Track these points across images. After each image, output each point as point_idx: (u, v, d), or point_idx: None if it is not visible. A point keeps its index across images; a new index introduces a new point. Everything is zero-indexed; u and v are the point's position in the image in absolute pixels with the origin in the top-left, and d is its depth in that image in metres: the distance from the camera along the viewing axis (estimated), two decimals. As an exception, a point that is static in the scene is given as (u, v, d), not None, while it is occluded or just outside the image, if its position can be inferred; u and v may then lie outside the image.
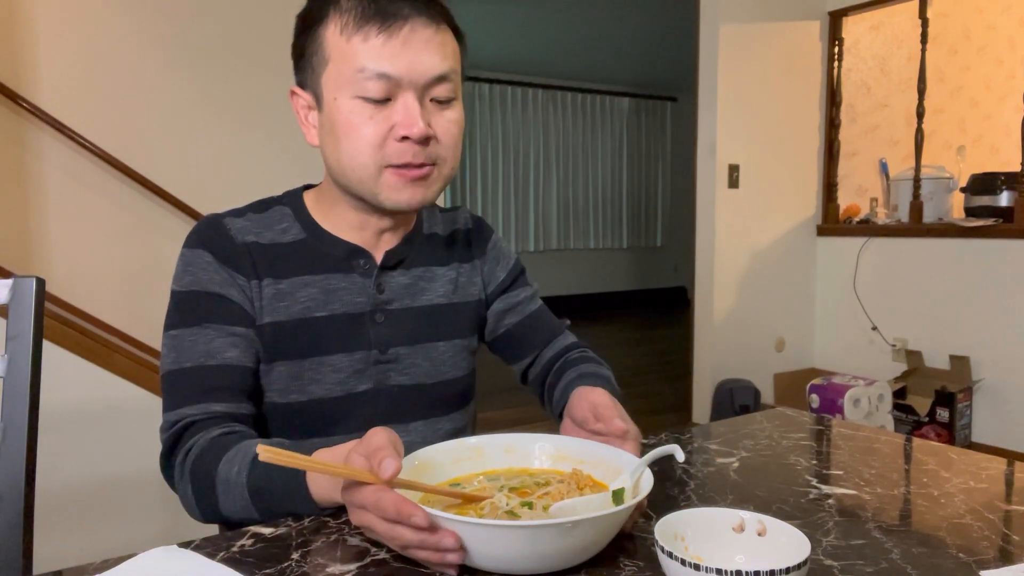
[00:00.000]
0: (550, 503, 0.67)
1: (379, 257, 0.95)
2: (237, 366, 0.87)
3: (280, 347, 0.90)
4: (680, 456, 0.67)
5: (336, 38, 0.83)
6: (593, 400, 0.81)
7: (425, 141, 0.85)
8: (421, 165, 0.86)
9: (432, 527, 0.59)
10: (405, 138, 0.83)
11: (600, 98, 8.24)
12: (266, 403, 0.91)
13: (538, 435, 0.80)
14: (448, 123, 0.87)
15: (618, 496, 0.67)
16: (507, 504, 0.67)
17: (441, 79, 0.85)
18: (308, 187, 1.00)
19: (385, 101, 0.83)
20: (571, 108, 8.07)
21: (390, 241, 0.97)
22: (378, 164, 0.85)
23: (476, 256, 1.06)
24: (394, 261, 0.96)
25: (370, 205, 0.90)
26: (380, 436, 0.64)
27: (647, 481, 0.67)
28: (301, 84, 0.90)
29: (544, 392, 1.07)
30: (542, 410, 1.10)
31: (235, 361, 0.87)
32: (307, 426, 0.92)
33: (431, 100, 0.86)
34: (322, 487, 0.72)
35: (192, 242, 0.91)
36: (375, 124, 0.83)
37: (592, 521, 0.60)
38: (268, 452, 0.60)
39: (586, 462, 0.76)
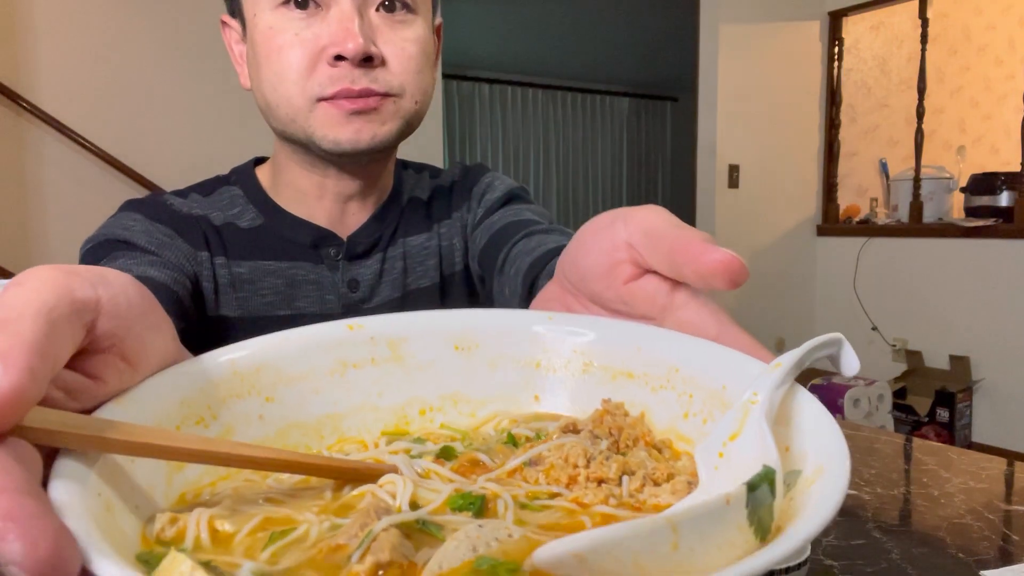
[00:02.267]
0: (539, 489, 0.29)
1: (346, 241, 0.77)
2: (159, 283, 0.64)
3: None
4: (853, 364, 0.32)
5: None
6: (637, 224, 0.35)
7: (368, 61, 0.66)
8: (365, 94, 0.66)
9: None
10: (339, 58, 0.65)
11: (600, 98, 8.23)
12: None
13: (542, 313, 0.38)
14: (403, 41, 0.68)
15: (758, 488, 0.24)
16: (407, 507, 0.27)
17: None
18: (260, 161, 0.82)
19: (315, 8, 0.66)
20: (571, 108, 8.07)
21: (358, 215, 0.78)
22: (308, 96, 0.66)
23: (457, 207, 0.83)
24: (364, 246, 0.77)
25: (317, 157, 0.71)
26: (28, 288, 0.25)
27: (819, 423, 0.28)
28: (230, 11, 0.74)
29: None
30: None
31: (158, 279, 0.64)
32: None
33: (378, 9, 0.67)
34: None
35: (129, 206, 0.73)
36: (300, 43, 0.65)
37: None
38: None
39: (638, 375, 0.35)
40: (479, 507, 0.27)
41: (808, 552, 0.54)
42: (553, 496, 0.29)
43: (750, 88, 3.76)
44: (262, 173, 0.80)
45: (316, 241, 0.76)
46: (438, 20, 0.75)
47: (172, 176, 3.06)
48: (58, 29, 2.86)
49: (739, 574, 0.19)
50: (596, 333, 0.36)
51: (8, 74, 2.77)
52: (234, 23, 0.74)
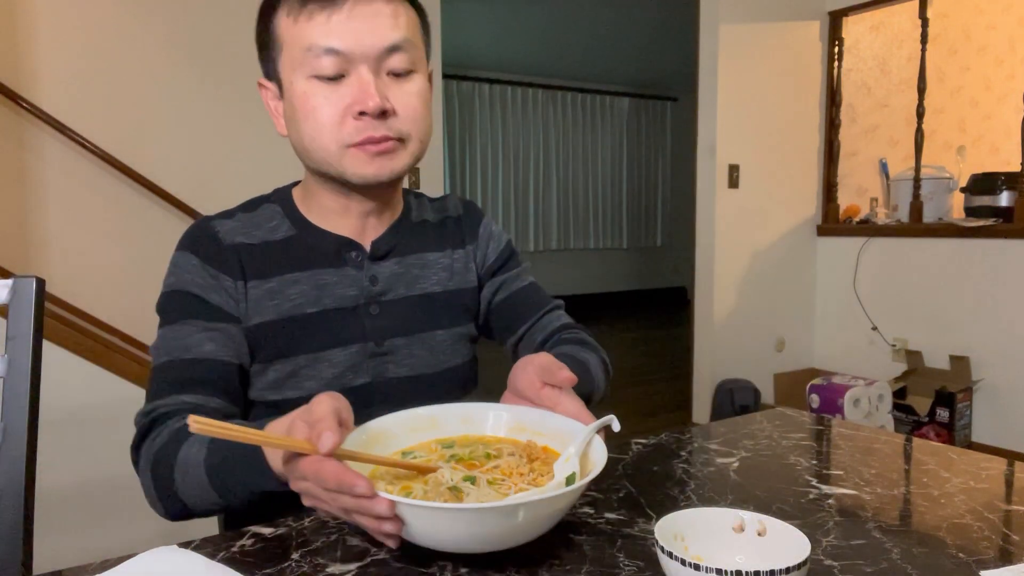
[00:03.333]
0: (498, 477, 0.67)
1: (369, 247, 0.95)
2: (213, 360, 0.86)
3: (273, 346, 0.89)
4: (616, 426, 0.71)
5: (285, 22, 0.84)
6: (538, 363, 0.76)
7: (383, 115, 0.84)
8: (383, 140, 0.85)
9: (373, 494, 0.58)
10: (362, 114, 0.83)
11: (600, 98, 8.23)
12: (261, 402, 0.91)
13: (493, 404, 0.79)
14: (408, 96, 0.86)
15: (571, 482, 0.64)
16: (451, 479, 0.66)
17: (394, 49, 0.84)
18: (297, 183, 1.00)
19: (339, 78, 0.83)
20: (571, 108, 8.06)
21: (377, 228, 0.96)
22: (340, 144, 0.85)
23: (468, 242, 1.05)
24: (384, 250, 0.96)
25: (343, 185, 0.90)
26: (324, 405, 0.63)
27: (599, 452, 0.67)
28: (266, 75, 0.91)
29: None
30: None
31: (212, 355, 0.86)
32: None
33: (388, 73, 0.85)
34: (279, 459, 0.69)
35: (181, 245, 0.92)
36: (331, 104, 0.83)
37: (531, 504, 0.58)
38: (198, 423, 0.57)
39: (542, 433, 0.74)
40: (473, 480, 0.67)
41: (808, 552, 0.54)
42: (502, 479, 0.68)
43: (750, 88, 3.76)
44: (296, 194, 0.97)
45: (339, 248, 0.94)
46: (430, 68, 0.92)
47: (172, 176, 3.06)
48: (58, 29, 2.86)
49: (548, 492, 0.61)
50: (523, 413, 0.77)
51: (8, 74, 2.77)
52: (270, 85, 0.90)
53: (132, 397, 2.26)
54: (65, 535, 2.12)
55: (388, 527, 0.59)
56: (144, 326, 2.98)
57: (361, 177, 0.86)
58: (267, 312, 0.89)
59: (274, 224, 0.94)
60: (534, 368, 0.77)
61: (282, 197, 0.97)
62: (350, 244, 0.94)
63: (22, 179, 2.83)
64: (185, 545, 0.67)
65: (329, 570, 0.63)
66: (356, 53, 0.82)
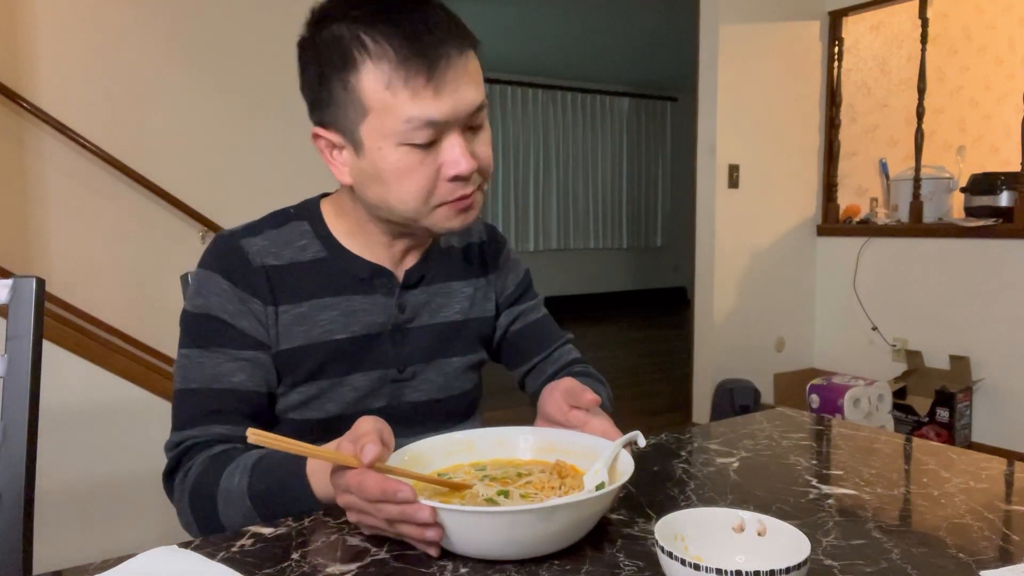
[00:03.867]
0: (530, 491, 0.71)
1: (400, 274, 0.94)
2: (243, 390, 0.86)
3: (300, 371, 0.90)
4: (641, 441, 0.75)
5: (377, 89, 0.79)
6: (563, 387, 0.82)
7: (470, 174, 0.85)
8: (469, 195, 0.85)
9: (415, 500, 0.62)
10: (455, 177, 0.83)
11: (600, 98, 8.23)
12: (283, 420, 0.91)
13: (525, 428, 0.82)
14: (484, 146, 0.87)
15: (600, 487, 0.69)
16: (485, 493, 0.70)
17: (479, 108, 0.84)
18: (324, 195, 0.97)
19: (431, 144, 0.81)
20: (571, 108, 8.06)
21: (412, 258, 0.96)
22: (430, 205, 0.84)
23: (491, 271, 1.06)
24: (414, 279, 0.95)
25: (407, 228, 0.89)
26: (367, 424, 0.68)
27: (626, 463, 0.71)
28: (323, 124, 0.85)
29: None
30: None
31: (241, 385, 0.86)
32: (317, 441, 0.91)
33: (468, 128, 0.85)
34: (323, 483, 0.72)
35: (208, 264, 0.89)
36: (424, 168, 0.82)
37: (566, 507, 0.62)
38: (256, 435, 0.61)
39: (570, 452, 0.78)
40: (507, 493, 0.70)
41: (808, 552, 0.54)
42: (535, 492, 0.71)
43: (750, 88, 3.76)
44: (327, 211, 0.94)
45: (372, 274, 0.93)
46: None
47: (172, 176, 3.06)
48: (58, 29, 2.86)
49: (580, 497, 0.66)
50: (552, 435, 0.81)
51: (8, 74, 2.77)
52: (331, 136, 0.85)
53: (132, 397, 2.26)
54: (65, 535, 2.12)
55: (430, 534, 0.62)
56: (144, 326, 2.98)
57: (447, 229, 0.87)
58: (296, 337, 0.89)
59: (303, 244, 0.92)
60: (560, 393, 0.81)
61: (311, 214, 0.94)
62: (382, 271, 0.93)
63: (22, 179, 2.83)
64: (185, 545, 0.67)
65: (329, 570, 0.63)
66: (451, 121, 0.81)
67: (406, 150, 0.81)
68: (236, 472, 0.78)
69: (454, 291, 1.00)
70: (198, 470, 0.81)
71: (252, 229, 0.91)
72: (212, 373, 0.86)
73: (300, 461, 0.75)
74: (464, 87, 0.82)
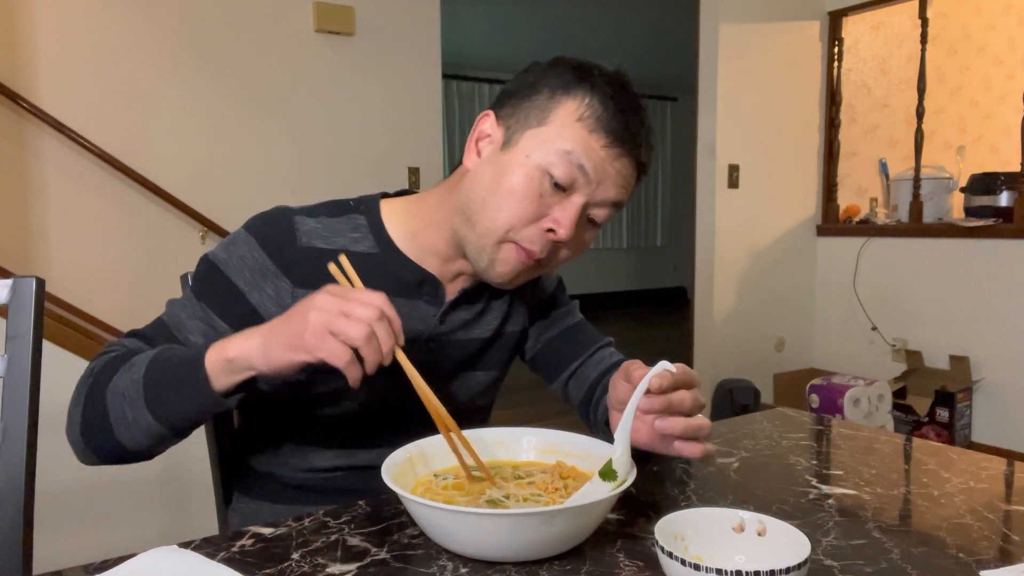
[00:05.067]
0: (534, 492, 0.72)
1: (449, 290, 0.92)
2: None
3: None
4: (671, 367, 0.75)
5: (570, 114, 0.81)
6: (620, 369, 0.80)
7: (560, 241, 0.83)
8: (540, 253, 0.83)
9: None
10: (550, 231, 0.82)
11: (600, 98, 8.22)
12: (295, 398, 0.89)
13: (526, 428, 0.83)
14: (583, 240, 0.86)
15: (608, 473, 0.69)
16: (491, 494, 0.71)
17: (615, 205, 0.85)
18: (384, 195, 0.94)
19: (559, 188, 0.81)
20: (571, 108, 8.06)
21: (467, 280, 0.93)
22: (509, 234, 0.82)
23: (527, 284, 1.02)
24: (459, 293, 0.93)
25: (465, 251, 0.87)
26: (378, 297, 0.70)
27: (629, 465, 0.71)
28: (499, 113, 0.86)
29: (591, 411, 1.02)
30: (557, 415, 1.07)
31: (195, 343, 0.83)
32: (332, 437, 0.90)
33: (590, 209, 0.84)
34: (219, 370, 0.71)
35: (253, 226, 0.87)
36: (537, 203, 0.81)
37: (569, 511, 0.62)
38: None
39: (571, 454, 0.79)
40: (508, 496, 0.71)
41: (808, 552, 0.54)
42: (539, 495, 0.72)
43: (750, 88, 3.75)
44: (387, 210, 0.92)
45: (421, 281, 0.90)
46: None
47: (172, 176, 3.06)
48: (58, 29, 2.86)
49: (590, 498, 0.65)
50: (553, 436, 0.82)
51: (8, 74, 2.77)
52: (495, 128, 0.85)
53: (132, 397, 2.26)
54: (65, 535, 2.12)
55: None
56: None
57: (494, 274, 0.85)
58: None
59: (357, 236, 0.89)
60: (619, 374, 0.80)
61: (369, 209, 0.91)
62: (431, 280, 0.91)
63: (22, 179, 2.83)
64: (185, 545, 0.67)
65: (329, 570, 0.63)
66: (592, 185, 0.81)
67: (539, 177, 0.81)
68: (139, 362, 0.76)
69: (492, 307, 0.98)
70: (103, 362, 0.79)
71: (309, 211, 0.90)
72: (181, 319, 0.84)
73: (205, 345, 0.74)
74: (620, 183, 0.84)
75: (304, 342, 0.68)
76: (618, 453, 0.70)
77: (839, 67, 3.99)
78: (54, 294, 2.77)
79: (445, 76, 3.98)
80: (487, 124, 0.86)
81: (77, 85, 2.89)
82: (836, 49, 3.98)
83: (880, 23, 4.14)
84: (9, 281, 0.94)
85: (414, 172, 3.60)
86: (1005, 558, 0.66)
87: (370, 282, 0.84)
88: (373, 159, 3.50)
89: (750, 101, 3.76)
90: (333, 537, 0.69)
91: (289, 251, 0.85)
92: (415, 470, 0.75)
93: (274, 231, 0.86)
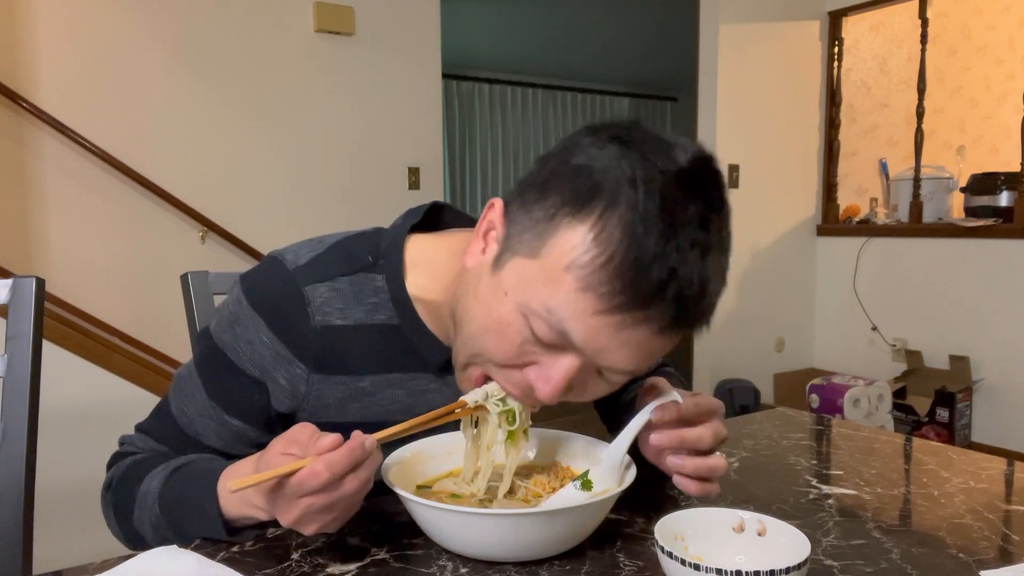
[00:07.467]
0: (533, 491, 0.72)
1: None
2: (206, 445, 0.79)
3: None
4: (679, 398, 0.70)
5: (559, 259, 0.59)
6: (645, 391, 0.74)
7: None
8: (518, 396, 0.68)
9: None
10: (531, 391, 0.65)
11: (600, 98, 8.22)
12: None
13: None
14: (597, 388, 0.67)
15: (585, 483, 0.71)
16: (483, 493, 0.71)
17: (628, 372, 0.64)
18: (413, 229, 0.79)
19: (554, 349, 0.63)
20: (571, 108, 8.06)
21: None
22: (481, 368, 0.68)
23: None
24: None
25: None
26: (302, 428, 0.62)
27: (629, 467, 0.71)
28: (506, 208, 0.66)
29: (603, 408, 0.94)
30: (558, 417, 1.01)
31: (208, 443, 0.79)
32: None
33: (598, 369, 0.64)
34: (233, 502, 0.66)
35: (257, 301, 0.74)
36: (518, 348, 0.63)
37: (569, 512, 0.62)
38: (238, 484, 0.58)
39: (570, 454, 0.79)
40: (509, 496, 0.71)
41: (808, 552, 0.54)
42: (537, 493, 0.72)
43: (750, 88, 3.75)
44: (413, 253, 0.77)
45: (447, 363, 0.75)
46: None
47: (173, 176, 3.05)
48: (58, 29, 2.86)
49: (565, 503, 0.67)
50: (549, 436, 0.81)
51: (8, 74, 2.76)
52: (500, 229, 0.66)
53: (132, 397, 2.26)
54: (65, 535, 2.12)
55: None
56: (144, 326, 2.98)
57: (461, 388, 0.72)
58: (350, 413, 0.77)
59: (373, 303, 0.76)
60: (644, 391, 0.75)
61: (391, 266, 0.76)
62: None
63: (22, 179, 2.83)
64: (185, 545, 0.67)
65: (329, 570, 0.63)
66: (586, 352, 0.62)
67: (520, 323, 0.62)
68: (159, 472, 0.73)
69: None
70: (129, 464, 0.78)
71: (319, 269, 0.75)
72: (192, 418, 0.78)
73: (220, 469, 0.69)
74: (632, 353, 0.61)
75: (296, 526, 0.62)
76: (601, 466, 0.72)
77: (839, 67, 3.99)
78: (54, 294, 2.77)
79: (445, 76, 3.99)
80: (494, 215, 0.67)
81: (77, 85, 2.89)
82: (836, 49, 3.98)
83: (880, 23, 4.15)
84: (9, 281, 0.94)
85: (414, 172, 3.60)
86: (1005, 558, 0.66)
87: (391, 360, 0.76)
88: (373, 159, 3.50)
89: (750, 101, 3.76)
90: (333, 537, 0.69)
91: (302, 331, 0.74)
92: (415, 470, 0.75)
93: (283, 307, 0.74)
